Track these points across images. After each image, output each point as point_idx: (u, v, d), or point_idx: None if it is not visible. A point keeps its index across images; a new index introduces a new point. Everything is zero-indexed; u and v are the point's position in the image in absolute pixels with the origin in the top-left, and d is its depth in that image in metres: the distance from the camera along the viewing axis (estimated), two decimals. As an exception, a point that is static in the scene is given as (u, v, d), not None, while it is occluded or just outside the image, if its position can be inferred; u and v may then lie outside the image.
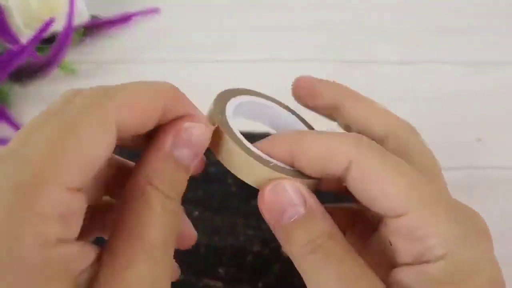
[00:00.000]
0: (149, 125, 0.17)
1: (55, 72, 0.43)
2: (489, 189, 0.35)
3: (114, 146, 0.16)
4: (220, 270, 0.30)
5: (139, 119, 0.17)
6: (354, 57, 0.46)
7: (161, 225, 0.16)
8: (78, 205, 0.15)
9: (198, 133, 0.18)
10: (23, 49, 0.40)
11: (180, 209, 0.18)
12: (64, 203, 0.14)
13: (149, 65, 0.46)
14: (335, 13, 0.52)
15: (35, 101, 0.42)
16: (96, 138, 0.15)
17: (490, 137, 0.39)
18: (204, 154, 0.19)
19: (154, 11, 0.53)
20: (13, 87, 0.43)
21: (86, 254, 0.15)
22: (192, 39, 0.49)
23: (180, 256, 0.30)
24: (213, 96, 0.23)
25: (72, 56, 0.45)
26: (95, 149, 0.15)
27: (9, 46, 0.41)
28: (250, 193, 0.34)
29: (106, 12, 0.50)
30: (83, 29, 0.47)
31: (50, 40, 0.43)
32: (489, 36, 0.49)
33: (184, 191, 0.18)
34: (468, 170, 0.36)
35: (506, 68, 0.45)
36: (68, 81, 0.44)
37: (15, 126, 0.39)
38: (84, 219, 0.15)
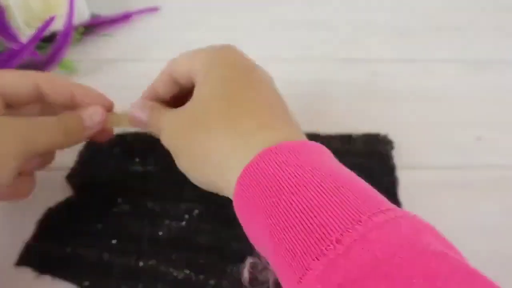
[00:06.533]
0: (27, 94, 0.29)
1: (55, 70, 0.43)
2: (489, 188, 0.35)
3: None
4: (222, 268, 0.30)
5: (15, 87, 0.29)
6: (354, 56, 0.46)
7: None
8: None
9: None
10: (23, 48, 0.40)
11: None
12: None
13: (149, 64, 0.46)
14: (334, 12, 0.52)
15: (35, 100, 0.42)
16: None
17: (489, 136, 0.39)
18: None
19: (154, 10, 0.53)
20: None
21: None
22: (192, 38, 0.49)
23: (182, 253, 0.30)
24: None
25: (72, 54, 0.45)
26: None
27: (10, 45, 0.41)
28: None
29: (106, 10, 0.50)
30: (83, 28, 0.47)
31: (51, 38, 0.43)
32: (489, 35, 0.49)
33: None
34: (467, 169, 0.36)
35: (506, 67, 0.45)
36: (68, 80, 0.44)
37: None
38: None
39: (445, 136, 0.39)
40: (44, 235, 0.32)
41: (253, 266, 0.29)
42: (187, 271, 0.30)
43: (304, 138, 0.25)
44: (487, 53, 0.47)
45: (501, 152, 0.37)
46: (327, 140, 0.38)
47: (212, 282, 0.29)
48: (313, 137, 0.38)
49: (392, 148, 0.37)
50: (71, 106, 0.31)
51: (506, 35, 0.49)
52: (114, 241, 0.31)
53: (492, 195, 0.35)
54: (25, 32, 0.43)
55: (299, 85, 0.43)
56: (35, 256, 0.31)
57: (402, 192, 0.34)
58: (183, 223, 0.32)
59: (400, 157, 0.37)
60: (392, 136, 0.38)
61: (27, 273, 0.30)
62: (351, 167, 0.36)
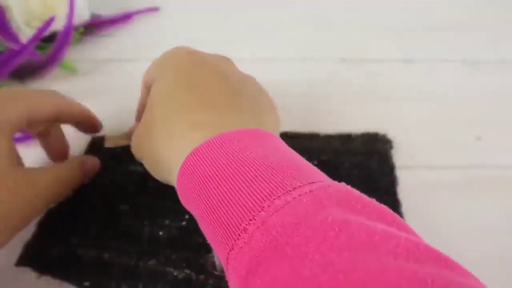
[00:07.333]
0: (46, 115, 0.30)
1: (56, 70, 0.43)
2: (489, 188, 0.35)
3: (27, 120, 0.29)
4: (221, 268, 0.30)
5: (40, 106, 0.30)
6: (355, 56, 0.46)
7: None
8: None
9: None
10: (23, 48, 0.40)
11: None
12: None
13: (149, 64, 0.46)
14: (334, 12, 0.52)
15: (35, 100, 0.42)
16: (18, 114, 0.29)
17: (489, 136, 0.39)
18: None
19: (154, 10, 0.53)
20: (13, 86, 0.43)
21: None
22: (192, 38, 0.49)
23: (182, 253, 0.30)
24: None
25: (72, 54, 0.45)
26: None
27: (10, 45, 0.41)
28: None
29: (106, 11, 0.50)
30: (83, 28, 0.47)
31: (51, 38, 0.43)
32: (489, 35, 0.49)
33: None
34: (467, 169, 0.36)
35: (506, 66, 0.45)
36: (68, 80, 0.44)
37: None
38: None
39: (445, 136, 0.39)
40: (44, 235, 0.32)
41: None
42: (187, 271, 0.30)
43: (248, 121, 0.25)
44: (487, 53, 0.47)
45: (501, 152, 0.37)
46: (327, 140, 0.38)
47: (212, 282, 0.29)
48: (313, 136, 0.38)
49: (391, 147, 0.37)
50: (76, 125, 0.34)
51: (506, 35, 0.49)
52: (114, 241, 0.31)
53: (492, 195, 0.35)
54: (25, 32, 0.43)
55: (299, 85, 0.43)
56: (35, 256, 0.31)
57: (402, 192, 0.34)
58: (183, 223, 0.32)
59: (399, 157, 0.37)
60: (391, 136, 0.38)
61: (27, 273, 0.30)
62: (351, 166, 0.36)
